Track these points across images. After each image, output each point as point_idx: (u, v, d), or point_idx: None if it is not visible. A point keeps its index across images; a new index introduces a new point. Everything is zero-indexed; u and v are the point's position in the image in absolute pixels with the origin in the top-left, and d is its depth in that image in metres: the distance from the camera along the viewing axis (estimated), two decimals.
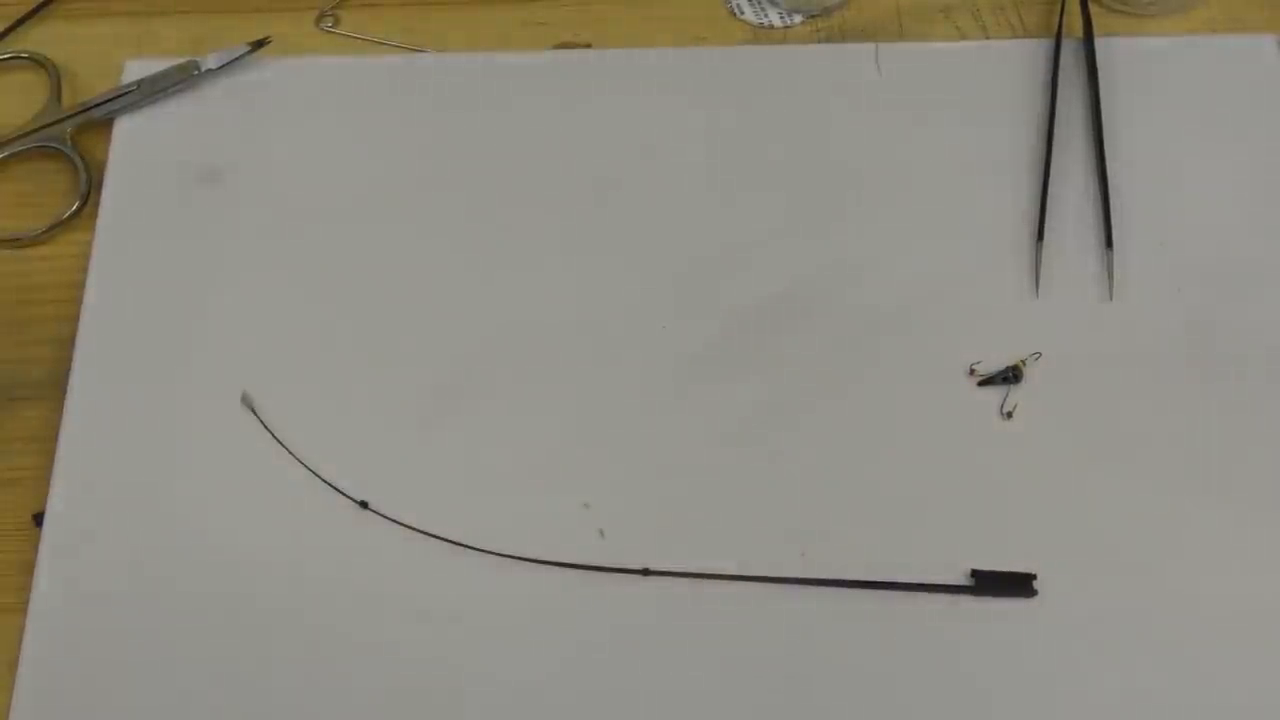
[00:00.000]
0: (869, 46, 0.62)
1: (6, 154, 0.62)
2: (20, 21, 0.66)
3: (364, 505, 0.54)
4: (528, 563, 0.52)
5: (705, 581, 0.52)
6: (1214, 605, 0.51)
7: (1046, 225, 0.57)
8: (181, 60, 0.63)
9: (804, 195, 0.59)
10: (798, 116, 0.61)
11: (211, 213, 0.60)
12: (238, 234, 0.60)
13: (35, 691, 0.51)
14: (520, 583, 0.52)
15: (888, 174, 0.59)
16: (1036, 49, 0.62)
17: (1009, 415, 0.52)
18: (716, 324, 0.57)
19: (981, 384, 0.53)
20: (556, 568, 0.52)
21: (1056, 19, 0.62)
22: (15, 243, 0.61)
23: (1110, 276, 0.56)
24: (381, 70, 0.64)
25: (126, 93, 0.63)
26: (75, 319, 0.58)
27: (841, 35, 0.64)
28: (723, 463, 0.54)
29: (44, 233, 0.61)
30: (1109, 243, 0.57)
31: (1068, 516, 0.52)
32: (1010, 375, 0.53)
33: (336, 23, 0.66)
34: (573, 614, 0.52)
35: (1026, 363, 0.53)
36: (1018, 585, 0.51)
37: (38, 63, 0.65)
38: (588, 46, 0.64)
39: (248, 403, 0.56)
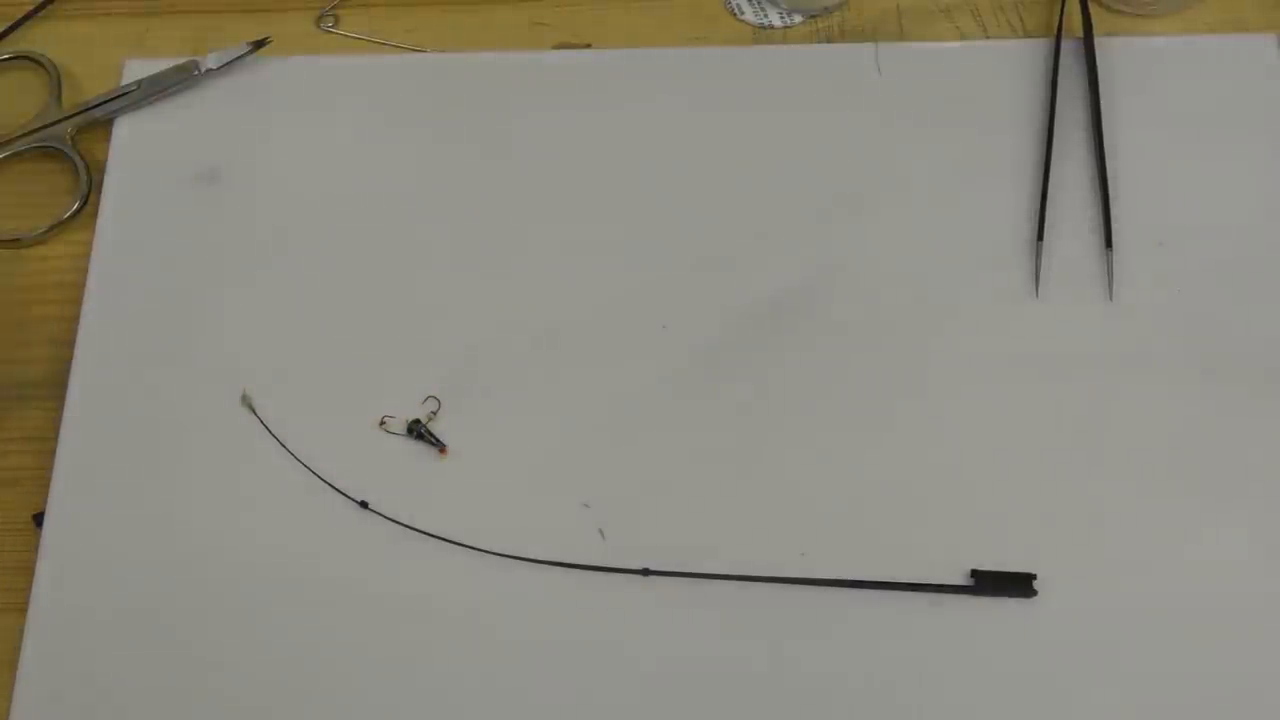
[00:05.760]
0: (869, 46, 0.62)
1: (6, 154, 0.62)
2: (20, 22, 0.66)
3: (364, 505, 0.54)
4: (528, 563, 0.52)
5: (705, 581, 0.52)
6: (1214, 605, 0.51)
7: (1046, 225, 0.57)
8: (181, 60, 0.63)
9: (804, 195, 0.59)
10: (798, 117, 0.61)
11: (211, 213, 0.60)
12: (237, 234, 0.60)
13: (35, 691, 0.52)
14: (520, 583, 0.52)
15: (888, 174, 0.59)
16: (1036, 49, 0.62)
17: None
18: (716, 324, 0.57)
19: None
20: (556, 568, 0.52)
21: (1056, 19, 0.62)
22: (15, 243, 0.61)
23: (1110, 276, 0.56)
24: (381, 70, 0.64)
25: (126, 93, 0.63)
26: (75, 319, 0.58)
27: (841, 35, 0.64)
28: (723, 463, 0.54)
29: (44, 233, 0.61)
30: (1109, 243, 0.57)
31: (1068, 516, 0.52)
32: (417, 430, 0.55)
33: (336, 23, 0.66)
34: (573, 614, 0.52)
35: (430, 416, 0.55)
36: (1018, 585, 0.51)
37: (38, 63, 0.65)
38: (588, 46, 0.64)
39: (248, 403, 0.56)
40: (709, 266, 0.58)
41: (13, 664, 0.52)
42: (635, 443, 0.55)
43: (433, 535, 0.53)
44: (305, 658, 0.52)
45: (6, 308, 0.60)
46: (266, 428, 0.56)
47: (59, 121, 0.63)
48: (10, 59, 0.65)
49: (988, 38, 0.63)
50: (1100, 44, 0.61)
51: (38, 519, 0.55)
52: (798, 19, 0.64)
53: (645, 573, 0.52)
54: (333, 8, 0.66)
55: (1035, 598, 0.51)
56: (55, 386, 0.57)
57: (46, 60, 0.65)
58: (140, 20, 0.66)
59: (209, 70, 0.63)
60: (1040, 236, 0.57)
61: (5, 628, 0.53)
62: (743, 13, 0.65)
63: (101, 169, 0.62)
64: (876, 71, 0.62)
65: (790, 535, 0.53)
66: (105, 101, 0.63)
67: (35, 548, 0.54)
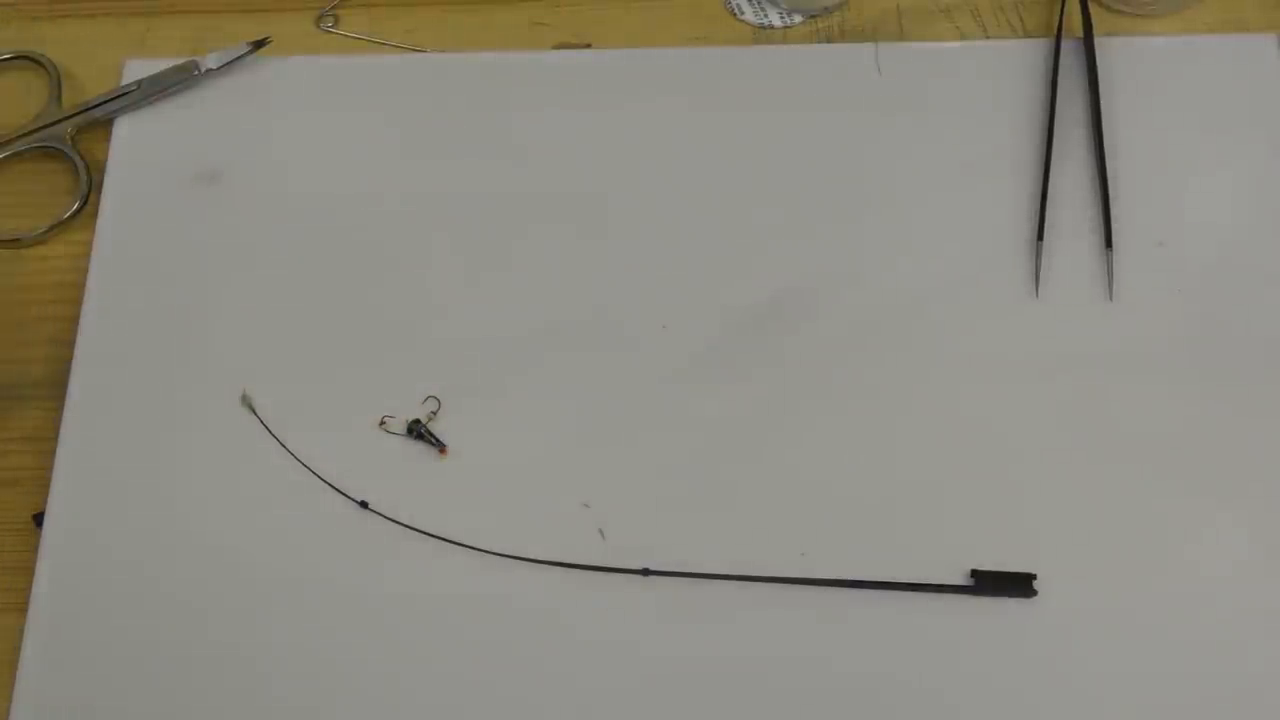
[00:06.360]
0: (869, 46, 0.62)
1: (6, 154, 0.62)
2: None
3: (364, 505, 0.54)
4: (528, 563, 0.52)
5: (705, 581, 0.52)
6: (1214, 605, 0.51)
7: (1046, 225, 0.57)
8: (181, 60, 0.63)
9: (804, 195, 0.59)
10: (798, 117, 0.61)
11: (211, 213, 0.60)
12: (237, 234, 0.60)
13: (35, 691, 0.52)
14: (520, 583, 0.52)
15: (888, 174, 0.59)
16: (1036, 49, 0.62)
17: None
18: (716, 324, 0.57)
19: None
20: (556, 568, 0.52)
21: (1056, 19, 0.62)
22: (15, 243, 0.61)
23: (1110, 276, 0.56)
24: (381, 70, 0.64)
25: (126, 93, 0.63)
26: (75, 319, 0.58)
27: (841, 35, 0.64)
28: (723, 463, 0.54)
29: (44, 233, 0.61)
30: (1109, 243, 0.57)
31: (1068, 516, 0.52)
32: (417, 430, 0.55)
33: (336, 23, 0.66)
34: (573, 614, 0.52)
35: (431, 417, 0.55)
36: (1018, 585, 0.51)
37: (38, 63, 0.65)
38: (588, 46, 0.64)
39: (248, 403, 0.56)
40: (709, 266, 0.58)
41: (13, 664, 0.52)
42: (635, 443, 0.55)
43: (433, 535, 0.53)
44: (305, 658, 0.52)
45: (6, 308, 0.60)
46: (266, 428, 0.56)
47: (59, 121, 0.63)
48: (10, 59, 0.65)
49: (988, 38, 0.63)
50: (1100, 44, 0.61)
51: (38, 519, 0.55)
52: (798, 19, 0.64)
53: (645, 573, 0.52)
54: (333, 8, 0.66)
55: (1035, 598, 0.51)
56: (55, 386, 0.57)
57: (46, 60, 0.65)
58: (140, 20, 0.66)
59: (209, 70, 0.63)
60: (1040, 236, 0.57)
61: (5, 628, 0.53)
62: (743, 13, 0.65)
63: (101, 169, 0.62)
64: (876, 71, 0.62)
65: (790, 535, 0.53)
66: (105, 101, 0.63)
67: (35, 548, 0.54)
